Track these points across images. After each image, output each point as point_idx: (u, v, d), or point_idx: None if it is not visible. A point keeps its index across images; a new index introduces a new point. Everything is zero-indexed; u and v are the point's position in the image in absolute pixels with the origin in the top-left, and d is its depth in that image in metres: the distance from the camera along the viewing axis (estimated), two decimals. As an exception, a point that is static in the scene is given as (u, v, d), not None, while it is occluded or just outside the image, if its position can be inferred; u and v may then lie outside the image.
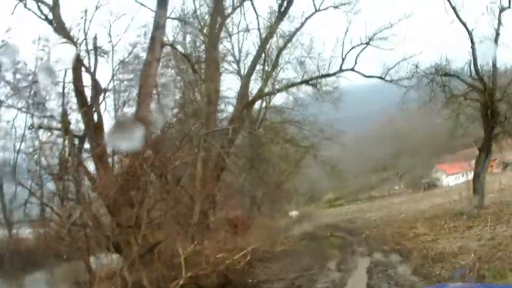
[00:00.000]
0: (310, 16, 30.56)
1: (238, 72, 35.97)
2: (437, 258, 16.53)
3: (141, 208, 16.35)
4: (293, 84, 32.27)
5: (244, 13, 32.51)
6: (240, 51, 36.12)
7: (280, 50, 30.92)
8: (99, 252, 17.01)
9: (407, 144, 79.71)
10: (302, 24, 30.67)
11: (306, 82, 30.24)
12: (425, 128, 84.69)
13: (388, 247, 21.11)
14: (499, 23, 25.40)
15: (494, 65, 26.05)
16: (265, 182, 41.75)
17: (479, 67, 26.13)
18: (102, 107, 22.63)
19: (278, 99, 40.12)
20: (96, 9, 23.38)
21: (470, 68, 26.35)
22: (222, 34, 31.58)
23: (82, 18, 22.42)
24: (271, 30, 29.75)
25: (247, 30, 32.76)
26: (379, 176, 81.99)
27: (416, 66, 27.39)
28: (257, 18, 31.40)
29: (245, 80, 30.18)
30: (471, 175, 59.74)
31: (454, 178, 65.53)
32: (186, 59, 27.48)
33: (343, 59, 27.99)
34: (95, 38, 22.78)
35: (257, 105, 37.30)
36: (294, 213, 60.48)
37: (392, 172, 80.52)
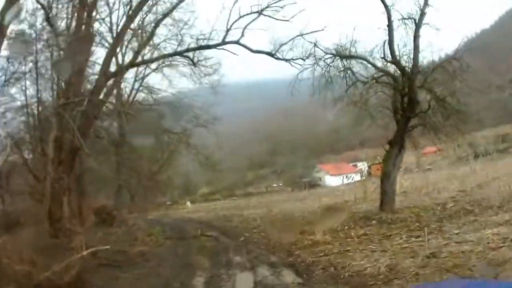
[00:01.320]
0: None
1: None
2: (358, 282, 10.44)
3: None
4: (165, 56, 26.84)
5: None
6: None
7: (157, 23, 23.85)
8: None
9: (284, 143, 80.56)
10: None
11: (180, 53, 23.36)
12: (305, 128, 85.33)
13: (277, 258, 14.30)
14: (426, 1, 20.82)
15: (416, 46, 21.11)
16: (137, 171, 36.38)
17: (395, 48, 21.31)
18: None
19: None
20: None
21: (384, 50, 21.38)
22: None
23: None
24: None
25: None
26: (255, 173, 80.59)
27: (315, 45, 21.71)
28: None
29: (110, 52, 22.73)
30: (356, 177, 56.98)
31: (337, 179, 64.40)
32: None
33: (227, 30, 21.20)
34: None
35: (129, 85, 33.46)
36: (188, 204, 56.40)
37: (269, 169, 79.55)
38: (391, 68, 22.09)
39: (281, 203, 36.23)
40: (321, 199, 33.53)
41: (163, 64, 34.28)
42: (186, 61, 25.30)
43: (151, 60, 27.38)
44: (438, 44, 40.63)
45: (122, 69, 23.56)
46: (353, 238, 15.38)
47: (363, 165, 70.33)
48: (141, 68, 33.74)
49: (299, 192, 57.23)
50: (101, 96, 21.28)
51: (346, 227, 17.39)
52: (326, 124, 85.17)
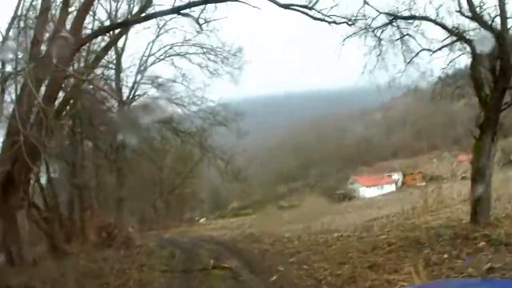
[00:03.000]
0: None
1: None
2: None
3: None
4: (159, 14, 18.20)
5: None
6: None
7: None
8: None
9: (314, 155, 73.24)
10: None
11: (177, 10, 16.05)
12: (334, 139, 79.49)
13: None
14: None
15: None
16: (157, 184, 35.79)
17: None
18: None
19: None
20: None
21: (459, 2, 14.21)
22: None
23: None
24: None
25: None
26: (287, 186, 72.01)
27: (365, 2, 14.77)
28: None
29: (80, 14, 15.82)
30: (389, 188, 49.49)
31: (372, 190, 59.37)
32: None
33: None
34: None
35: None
36: (202, 220, 50.22)
37: (301, 182, 72.20)
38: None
39: (319, 217, 29.04)
40: (365, 211, 26.97)
41: (170, 52, 27.77)
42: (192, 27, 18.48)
43: (141, 18, 20.08)
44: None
45: (101, 31, 16.70)
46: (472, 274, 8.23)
47: (397, 175, 63.84)
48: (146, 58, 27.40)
49: (335, 205, 50.10)
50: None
51: (440, 253, 10.22)
52: (356, 135, 79.97)
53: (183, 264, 15.35)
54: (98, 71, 26.76)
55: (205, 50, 26.88)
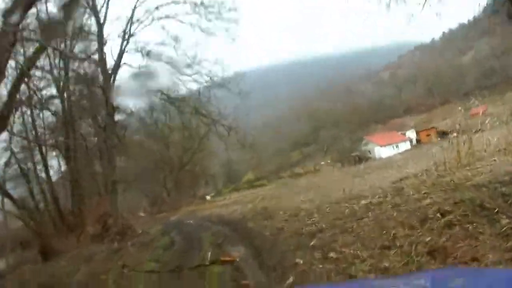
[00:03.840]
0: None
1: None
2: None
3: None
4: None
5: None
6: None
7: None
8: None
9: (327, 119, 72.81)
10: None
11: None
12: (346, 102, 76.43)
13: None
14: None
15: None
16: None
17: None
18: None
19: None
20: None
21: None
22: None
23: None
24: None
25: None
26: (300, 152, 72.52)
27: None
28: None
29: None
30: (404, 146, 52.66)
31: (387, 149, 56.26)
32: None
33: None
34: None
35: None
36: (207, 197, 47.25)
37: (314, 147, 70.73)
38: None
39: (338, 182, 25.40)
40: (385, 172, 23.85)
41: (158, 15, 24.20)
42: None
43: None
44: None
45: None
46: None
47: (411, 133, 61.21)
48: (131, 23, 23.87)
49: (352, 167, 46.28)
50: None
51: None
52: (366, 95, 77.20)
53: (178, 258, 11.95)
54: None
55: (196, 8, 23.20)
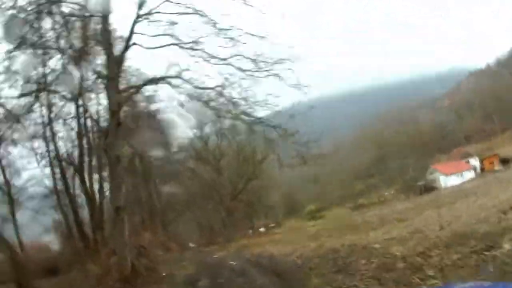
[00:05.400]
0: None
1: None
2: None
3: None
4: None
5: None
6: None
7: None
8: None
9: (390, 148, 69.87)
10: None
11: None
12: (407, 130, 71.67)
13: None
14: None
15: None
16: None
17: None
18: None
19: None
20: None
21: None
22: None
23: None
24: None
25: None
26: (364, 183, 67.89)
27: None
28: None
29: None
30: (469, 174, 49.58)
31: (452, 178, 53.30)
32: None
33: None
34: None
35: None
36: (261, 229, 42.93)
37: (378, 178, 67.08)
38: None
39: (413, 214, 20.27)
40: (469, 199, 21.74)
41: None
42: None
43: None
44: None
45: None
46: None
47: (474, 161, 58.12)
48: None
49: (417, 198, 43.29)
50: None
51: None
52: (428, 123, 73.32)
53: None
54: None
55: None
